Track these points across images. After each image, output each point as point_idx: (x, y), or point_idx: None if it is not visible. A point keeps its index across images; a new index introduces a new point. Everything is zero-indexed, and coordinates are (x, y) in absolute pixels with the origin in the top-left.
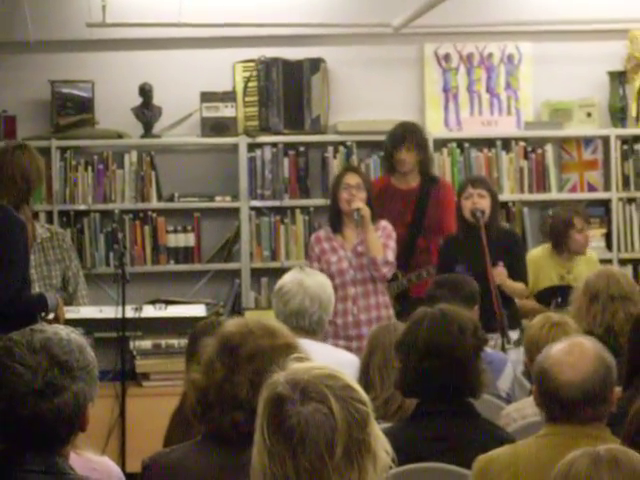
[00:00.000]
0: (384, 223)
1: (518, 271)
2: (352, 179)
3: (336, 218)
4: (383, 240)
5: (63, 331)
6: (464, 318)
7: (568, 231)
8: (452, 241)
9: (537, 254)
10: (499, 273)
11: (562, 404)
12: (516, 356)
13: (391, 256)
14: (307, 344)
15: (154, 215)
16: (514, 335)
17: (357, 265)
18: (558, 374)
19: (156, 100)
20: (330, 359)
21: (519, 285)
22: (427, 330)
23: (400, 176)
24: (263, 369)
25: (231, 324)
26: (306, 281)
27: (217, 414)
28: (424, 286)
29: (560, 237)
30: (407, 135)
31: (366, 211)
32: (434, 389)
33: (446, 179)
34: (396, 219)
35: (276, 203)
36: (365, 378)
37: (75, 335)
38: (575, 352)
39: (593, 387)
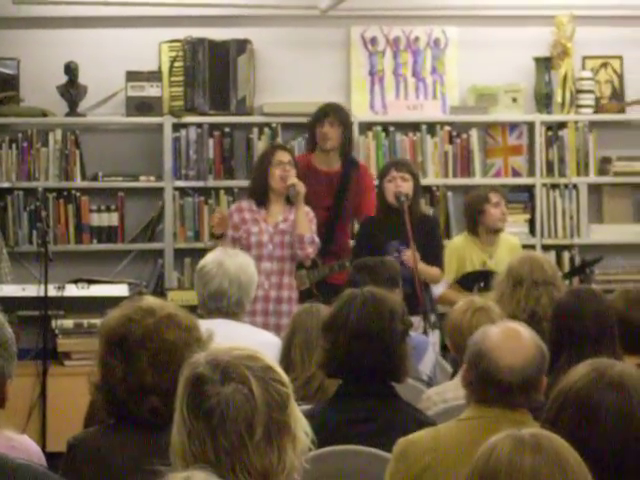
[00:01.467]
0: (306, 208)
1: (434, 256)
2: (284, 156)
3: (262, 193)
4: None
5: None
6: (393, 302)
7: (483, 206)
8: (372, 222)
9: (458, 242)
10: (410, 255)
11: (498, 388)
12: (433, 338)
13: (316, 237)
14: (228, 325)
15: (78, 194)
16: (432, 317)
17: (277, 242)
18: (498, 358)
19: (81, 79)
20: (251, 340)
21: (434, 270)
22: (358, 312)
23: (322, 156)
24: (158, 348)
25: (109, 319)
26: (226, 262)
27: (133, 406)
28: (344, 273)
29: (476, 214)
30: (331, 110)
31: (301, 187)
32: (360, 371)
33: (370, 162)
34: (317, 202)
35: (200, 184)
36: (287, 358)
37: None
38: (515, 338)
39: (531, 374)
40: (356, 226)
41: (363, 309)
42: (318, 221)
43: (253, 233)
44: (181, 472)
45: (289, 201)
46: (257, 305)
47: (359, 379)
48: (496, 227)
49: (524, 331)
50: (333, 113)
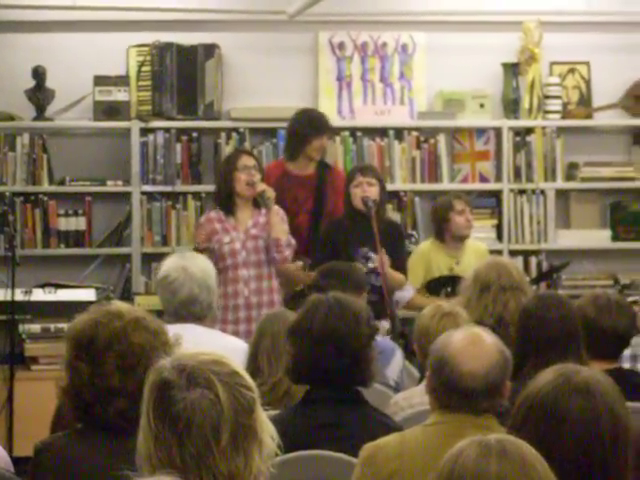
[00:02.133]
0: (276, 207)
1: (398, 262)
2: (249, 161)
3: (228, 200)
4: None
5: None
6: (358, 306)
7: (448, 214)
8: (337, 226)
9: (425, 248)
10: (384, 260)
11: (462, 394)
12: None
13: (292, 238)
14: (195, 330)
15: (45, 198)
16: (386, 325)
17: (250, 247)
18: (461, 364)
19: (49, 83)
20: (217, 345)
21: (400, 275)
22: (323, 317)
23: (303, 162)
24: (124, 351)
25: (76, 323)
26: (190, 268)
27: (99, 409)
28: None
29: (441, 222)
30: (328, 122)
31: (271, 192)
32: (325, 376)
33: (339, 167)
34: (299, 206)
35: (168, 188)
36: (253, 363)
37: None
38: (477, 343)
39: (494, 379)
40: None
41: (328, 314)
42: (302, 224)
43: (225, 243)
44: (149, 477)
45: (256, 204)
46: (240, 313)
47: (325, 384)
48: (461, 234)
49: (486, 336)
50: (329, 126)
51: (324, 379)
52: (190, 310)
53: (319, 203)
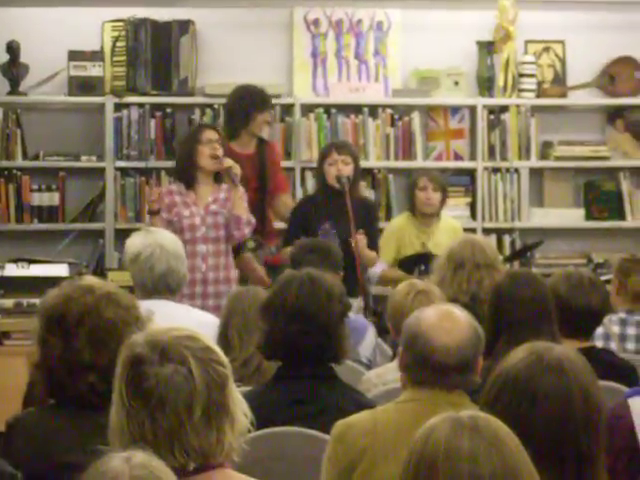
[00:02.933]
0: (241, 188)
1: (371, 239)
2: (213, 135)
3: (189, 174)
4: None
5: None
6: (331, 283)
7: (414, 190)
8: (311, 202)
9: (398, 222)
10: (360, 239)
11: (434, 369)
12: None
13: (252, 217)
14: (167, 305)
15: (19, 173)
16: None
17: (210, 223)
18: (434, 338)
19: (23, 58)
20: (190, 320)
21: (372, 253)
22: (295, 294)
23: (246, 140)
24: (96, 326)
25: (49, 297)
26: (162, 242)
27: (70, 384)
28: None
29: (411, 197)
30: (270, 98)
31: (237, 169)
32: (298, 353)
33: (312, 144)
34: (245, 185)
35: (142, 164)
36: (224, 340)
37: None
38: (449, 318)
39: (466, 354)
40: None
41: (300, 291)
42: (250, 202)
43: (185, 216)
44: (121, 452)
45: (217, 180)
46: (196, 288)
47: (297, 361)
48: (422, 211)
49: (458, 312)
50: (271, 101)
51: (296, 355)
52: (168, 283)
53: (263, 180)
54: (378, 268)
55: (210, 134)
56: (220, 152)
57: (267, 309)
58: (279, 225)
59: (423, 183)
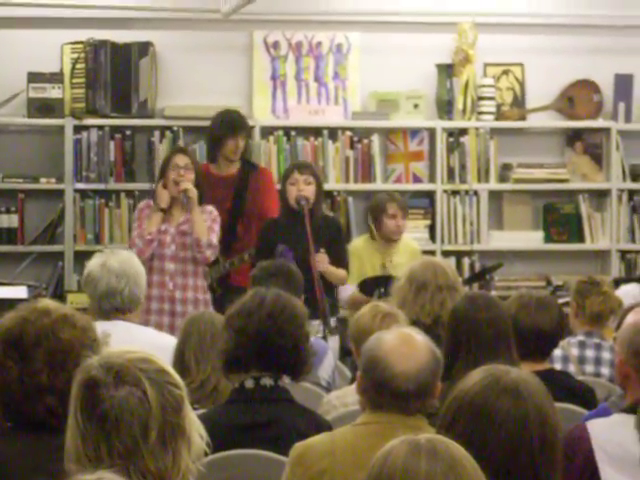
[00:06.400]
0: (210, 207)
1: (339, 258)
2: (181, 160)
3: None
4: (209, 224)
5: None
6: (299, 305)
7: (380, 215)
8: (274, 225)
9: (358, 244)
10: (322, 259)
11: (394, 395)
12: (333, 343)
13: (215, 239)
14: (126, 327)
15: None
16: (332, 322)
17: (179, 243)
18: (393, 364)
19: None
20: (149, 343)
21: (341, 271)
22: (273, 298)
23: (225, 163)
24: (53, 348)
25: (4, 321)
26: (109, 261)
27: (28, 407)
28: (245, 274)
29: (374, 221)
30: (241, 122)
31: (193, 192)
32: (266, 359)
33: (271, 167)
34: (217, 206)
35: (101, 186)
36: (180, 363)
37: None
38: (408, 343)
39: (425, 380)
40: None
41: (271, 312)
42: (221, 224)
43: (160, 230)
44: (91, 474)
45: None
46: (164, 304)
47: (260, 372)
48: (390, 238)
49: (418, 337)
50: (243, 124)
51: (263, 363)
52: (112, 303)
53: (237, 203)
54: (347, 290)
55: (178, 159)
56: (188, 177)
57: (232, 324)
58: None
59: (393, 210)
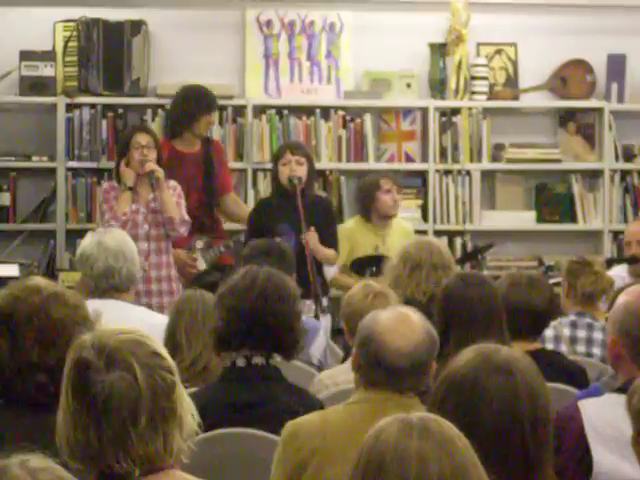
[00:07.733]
0: (173, 183)
1: (329, 238)
2: (142, 138)
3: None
4: (176, 199)
5: None
6: (291, 284)
7: (374, 193)
8: (265, 205)
9: (350, 226)
10: (311, 236)
11: (387, 371)
12: (325, 322)
13: (186, 215)
14: (120, 306)
15: None
16: (324, 301)
17: (152, 221)
18: (388, 341)
19: None
20: (141, 321)
21: (330, 251)
22: (266, 274)
23: (189, 139)
24: (44, 325)
25: None
26: (104, 241)
27: (19, 384)
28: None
29: (368, 200)
30: (215, 100)
31: (161, 172)
32: (258, 334)
33: (264, 146)
34: (189, 185)
35: (93, 165)
36: (172, 342)
37: None
38: (405, 321)
39: (420, 358)
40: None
41: (263, 291)
42: (195, 203)
43: (127, 212)
44: (17, 457)
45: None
46: (140, 285)
47: (252, 348)
48: (388, 214)
49: (414, 315)
50: (216, 103)
51: (255, 339)
52: (110, 282)
53: (209, 179)
54: (332, 271)
55: (140, 138)
56: (151, 156)
57: (232, 291)
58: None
59: (388, 185)
